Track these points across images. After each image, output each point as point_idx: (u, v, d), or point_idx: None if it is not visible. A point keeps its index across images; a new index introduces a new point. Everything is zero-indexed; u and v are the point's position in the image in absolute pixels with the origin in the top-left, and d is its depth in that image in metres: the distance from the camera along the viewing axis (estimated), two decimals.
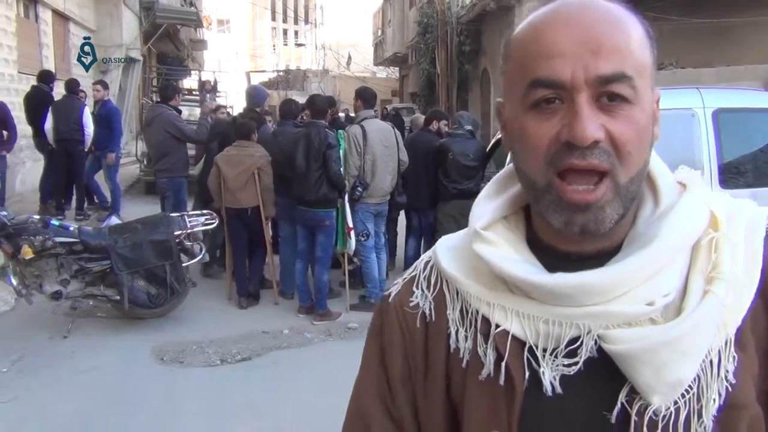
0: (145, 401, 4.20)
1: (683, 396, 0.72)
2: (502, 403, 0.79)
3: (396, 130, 6.27)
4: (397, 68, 34.01)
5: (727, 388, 0.73)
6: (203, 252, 5.95)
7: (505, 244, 0.82)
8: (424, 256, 0.95)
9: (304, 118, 6.98)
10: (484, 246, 0.82)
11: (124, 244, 5.23)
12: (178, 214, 5.93)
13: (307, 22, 51.69)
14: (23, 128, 9.47)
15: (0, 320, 5.59)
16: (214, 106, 8.72)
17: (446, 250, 0.91)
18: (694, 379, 0.72)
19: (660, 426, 0.72)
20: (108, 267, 5.21)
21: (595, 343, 0.75)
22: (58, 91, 9.90)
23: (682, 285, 0.75)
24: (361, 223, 5.97)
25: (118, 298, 5.23)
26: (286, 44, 56.11)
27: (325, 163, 5.52)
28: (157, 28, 18.48)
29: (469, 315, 0.84)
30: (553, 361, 0.77)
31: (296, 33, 56.31)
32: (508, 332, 0.79)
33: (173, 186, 7.37)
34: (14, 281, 5.05)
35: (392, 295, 0.95)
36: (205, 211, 6.01)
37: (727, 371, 0.73)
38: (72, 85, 9.37)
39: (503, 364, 0.78)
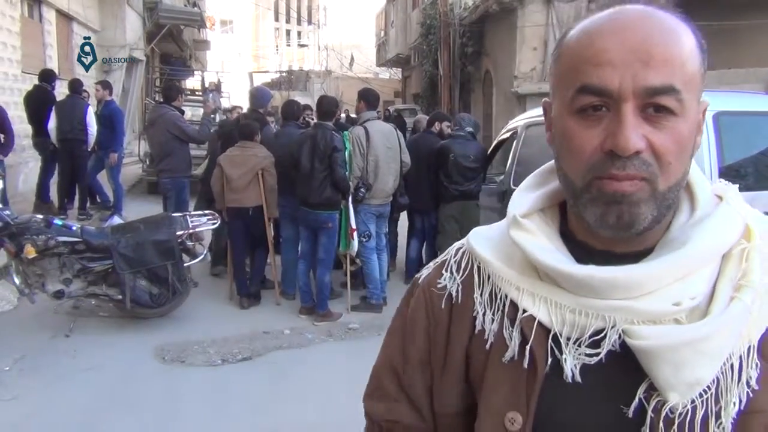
0: (146, 400, 4.22)
1: (701, 396, 0.74)
2: (522, 386, 0.81)
3: (398, 131, 6.28)
4: (400, 69, 34.04)
5: (748, 393, 0.74)
6: (205, 252, 5.96)
7: (541, 234, 0.84)
8: (457, 243, 0.97)
9: (306, 119, 6.99)
10: (520, 233, 0.85)
11: (126, 243, 5.25)
12: (180, 214, 5.94)
13: (310, 22, 51.74)
14: (25, 127, 9.51)
15: (2, 319, 5.61)
16: (230, 107, 8.76)
17: (481, 237, 0.93)
18: (713, 381, 0.74)
19: (676, 423, 0.74)
20: (110, 266, 5.23)
21: (619, 337, 0.76)
22: (62, 90, 9.93)
23: (710, 291, 0.77)
24: (363, 224, 5.99)
25: (120, 297, 5.24)
26: (289, 45, 56.15)
27: (330, 166, 5.53)
28: (161, 29, 18.50)
29: (498, 299, 0.86)
30: (576, 349, 0.78)
31: (299, 34, 56.35)
32: (534, 318, 0.81)
33: (176, 186, 7.39)
34: (17, 280, 5.08)
35: (422, 277, 0.98)
36: (207, 212, 6.03)
37: (750, 377, 0.74)
38: (75, 85, 9.41)
39: (528, 347, 0.80)
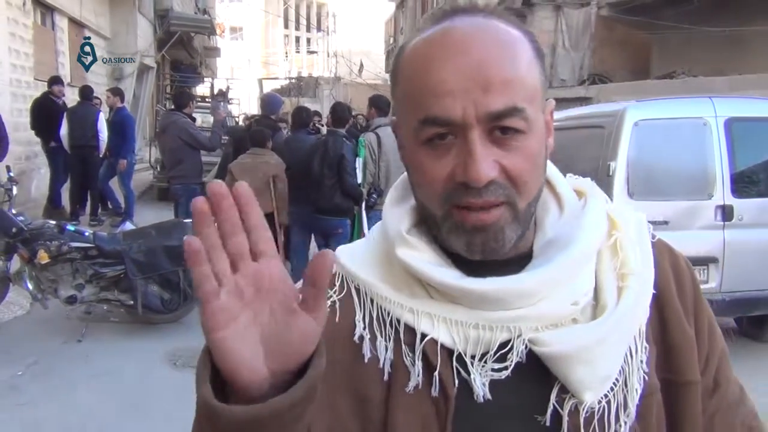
0: (157, 405, 4.23)
1: (611, 389, 0.74)
2: (433, 415, 0.76)
3: None
4: None
5: (645, 377, 0.76)
6: None
7: (428, 250, 0.79)
8: None
9: (316, 125, 7.02)
10: (407, 250, 0.79)
11: (138, 249, 5.28)
12: (191, 220, 5.96)
13: (319, 29, 51.93)
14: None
15: (15, 324, 5.65)
16: (250, 115, 8.80)
17: (354, 257, 0.85)
18: (620, 372, 0.75)
19: (595, 419, 0.74)
20: (122, 272, 5.26)
21: (526, 347, 0.74)
22: (73, 97, 10.01)
23: (593, 284, 0.78)
24: None
25: (132, 302, 5.27)
26: (298, 51, 56.36)
27: (339, 173, 5.56)
28: (171, 36, 18.58)
29: (389, 324, 0.79)
30: (482, 366, 0.75)
31: (308, 40, 56.53)
32: (436, 341, 0.76)
33: (187, 192, 7.42)
34: (30, 286, 5.12)
35: None
36: None
37: (642, 361, 0.76)
38: (86, 92, 9.49)
39: (436, 374, 0.75)
